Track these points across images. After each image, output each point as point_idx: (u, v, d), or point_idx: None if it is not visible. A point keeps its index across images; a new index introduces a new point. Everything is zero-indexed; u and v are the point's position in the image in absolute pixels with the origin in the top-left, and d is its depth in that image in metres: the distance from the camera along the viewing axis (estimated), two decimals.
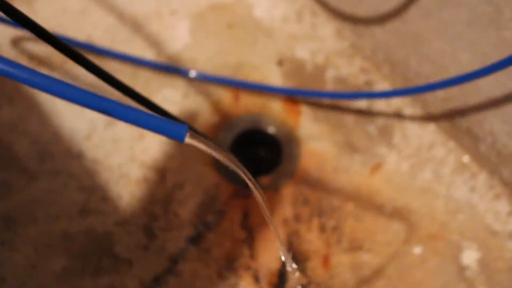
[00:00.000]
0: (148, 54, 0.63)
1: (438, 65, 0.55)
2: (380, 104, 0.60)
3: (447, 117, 0.58)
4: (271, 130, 0.60)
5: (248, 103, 0.60)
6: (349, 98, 0.60)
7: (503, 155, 0.54)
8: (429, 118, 0.59)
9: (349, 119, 0.60)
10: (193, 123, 0.59)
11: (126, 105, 0.20)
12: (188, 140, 0.22)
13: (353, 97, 0.60)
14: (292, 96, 0.61)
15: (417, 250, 0.54)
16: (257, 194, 0.32)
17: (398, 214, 0.56)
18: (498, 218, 0.55)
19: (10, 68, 0.20)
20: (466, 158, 0.58)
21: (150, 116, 0.20)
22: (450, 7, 0.49)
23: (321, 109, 0.60)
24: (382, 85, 0.61)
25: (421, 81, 0.58)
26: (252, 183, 0.31)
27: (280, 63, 0.63)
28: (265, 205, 0.33)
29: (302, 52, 0.63)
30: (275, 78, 0.62)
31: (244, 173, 0.29)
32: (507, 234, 0.54)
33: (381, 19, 0.58)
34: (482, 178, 0.57)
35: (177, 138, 0.21)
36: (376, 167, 0.58)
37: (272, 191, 0.56)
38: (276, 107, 0.60)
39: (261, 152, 0.63)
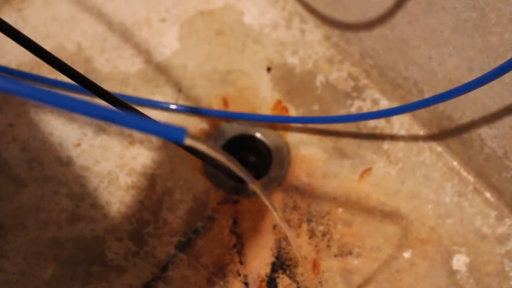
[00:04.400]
0: (137, 61, 0.63)
1: (426, 70, 0.55)
2: (370, 110, 0.61)
3: (436, 122, 0.58)
4: (260, 136, 0.60)
5: (237, 108, 0.61)
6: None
7: (491, 160, 0.54)
8: (418, 123, 0.60)
9: (338, 124, 0.60)
10: None
11: (128, 112, 0.21)
12: (188, 141, 0.23)
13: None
14: (281, 105, 0.61)
15: (407, 254, 0.54)
16: (257, 190, 0.33)
17: (387, 218, 0.56)
18: (487, 222, 0.55)
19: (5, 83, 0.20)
20: (455, 163, 0.58)
21: (151, 121, 0.22)
22: (435, 13, 0.49)
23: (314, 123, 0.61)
24: (371, 91, 0.62)
25: (410, 87, 0.58)
26: (250, 180, 0.31)
27: (269, 69, 0.63)
28: (267, 198, 0.34)
29: (291, 58, 0.64)
30: (264, 84, 0.62)
31: (242, 171, 0.30)
32: (496, 238, 0.55)
33: (368, 25, 0.58)
34: (471, 182, 0.57)
35: (177, 139, 0.22)
36: (365, 172, 0.58)
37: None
38: (265, 113, 0.61)
39: (250, 158, 0.63)
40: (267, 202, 0.35)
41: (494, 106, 0.51)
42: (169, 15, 0.66)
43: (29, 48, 0.34)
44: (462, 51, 0.50)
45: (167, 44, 0.64)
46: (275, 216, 0.37)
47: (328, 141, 0.59)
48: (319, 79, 0.62)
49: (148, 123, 0.21)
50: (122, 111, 0.21)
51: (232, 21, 0.66)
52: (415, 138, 0.59)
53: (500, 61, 0.42)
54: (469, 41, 0.48)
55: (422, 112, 0.59)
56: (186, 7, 0.66)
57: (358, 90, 0.62)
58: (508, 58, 0.42)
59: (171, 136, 0.22)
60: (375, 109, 0.61)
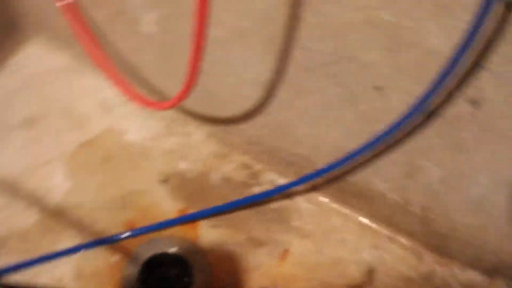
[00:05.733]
0: (31, 213, 0.61)
1: (311, 145, 0.58)
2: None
3: (335, 187, 0.60)
4: (174, 249, 0.60)
5: None
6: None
7: (394, 208, 0.57)
8: (318, 191, 0.62)
9: (244, 214, 0.61)
10: (97, 271, 0.58)
11: None
12: None
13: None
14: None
15: None
16: None
17: None
18: (410, 266, 0.58)
19: None
20: (363, 219, 0.60)
21: None
22: (304, 96, 0.52)
23: (215, 214, 0.61)
24: (267, 174, 0.63)
25: (301, 162, 0.60)
26: None
27: (164, 181, 0.64)
28: None
29: (182, 164, 0.65)
30: (163, 197, 0.62)
31: None
32: (421, 277, 0.57)
33: (248, 116, 0.60)
34: (383, 233, 0.59)
35: None
36: (284, 254, 0.59)
37: None
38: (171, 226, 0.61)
39: (172, 272, 0.62)
40: None
41: (380, 159, 0.54)
42: (51, 156, 0.65)
43: None
44: (338, 124, 0.53)
45: (57, 186, 0.63)
46: None
47: (240, 235, 0.60)
48: (214, 176, 0.64)
49: None
50: None
51: (114, 144, 0.66)
52: (319, 205, 0.61)
53: (376, 126, 0.45)
54: (342, 113, 0.51)
55: (319, 180, 0.61)
56: (66, 143, 0.66)
57: (255, 176, 0.64)
58: (381, 121, 0.45)
59: None
60: None
